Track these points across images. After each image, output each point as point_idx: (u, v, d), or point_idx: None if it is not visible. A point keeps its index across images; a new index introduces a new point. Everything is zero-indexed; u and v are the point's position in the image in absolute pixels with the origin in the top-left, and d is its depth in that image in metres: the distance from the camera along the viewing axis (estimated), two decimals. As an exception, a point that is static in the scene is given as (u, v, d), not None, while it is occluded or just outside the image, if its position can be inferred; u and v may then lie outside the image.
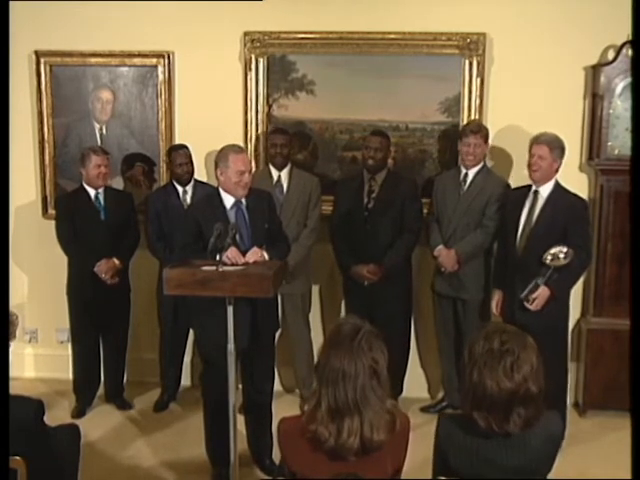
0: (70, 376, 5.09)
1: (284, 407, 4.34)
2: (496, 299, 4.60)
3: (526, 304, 4.27)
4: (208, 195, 4.17)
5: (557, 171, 4.36)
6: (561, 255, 4.16)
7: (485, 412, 2.34)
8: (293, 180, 4.96)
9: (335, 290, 5.23)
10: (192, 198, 4.91)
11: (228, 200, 3.94)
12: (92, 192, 4.87)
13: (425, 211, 5.00)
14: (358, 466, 2.45)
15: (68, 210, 4.88)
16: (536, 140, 4.36)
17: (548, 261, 4.18)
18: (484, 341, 2.36)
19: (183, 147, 4.96)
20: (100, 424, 4.79)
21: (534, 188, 4.38)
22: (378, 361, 2.43)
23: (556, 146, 4.32)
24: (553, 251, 4.16)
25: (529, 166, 4.36)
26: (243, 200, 3.95)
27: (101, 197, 4.89)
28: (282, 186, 4.93)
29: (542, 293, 4.25)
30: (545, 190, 4.35)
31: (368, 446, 2.41)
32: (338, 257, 4.97)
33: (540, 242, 4.24)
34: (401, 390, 5.00)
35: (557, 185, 4.37)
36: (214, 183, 5.08)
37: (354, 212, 4.85)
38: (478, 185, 4.75)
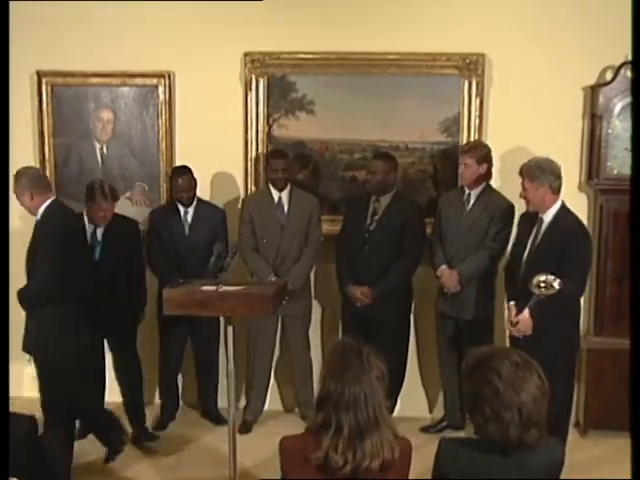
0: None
1: (284, 427, 4.30)
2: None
3: (510, 328, 4.19)
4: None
5: (556, 193, 4.15)
6: (555, 283, 3.84)
7: (522, 424, 2.31)
8: (293, 201, 4.97)
9: (336, 311, 5.20)
10: (193, 218, 4.93)
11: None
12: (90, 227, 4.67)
13: (428, 231, 4.99)
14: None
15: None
16: (519, 171, 4.22)
17: (540, 288, 3.87)
18: (507, 361, 2.33)
19: (186, 171, 4.88)
20: (100, 445, 4.76)
21: (539, 215, 4.22)
22: (383, 372, 2.49)
23: (537, 174, 4.11)
24: (543, 278, 3.85)
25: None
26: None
27: (99, 232, 4.68)
28: (283, 207, 4.95)
29: (523, 319, 4.11)
30: (547, 217, 4.17)
31: (385, 466, 2.43)
32: (337, 276, 4.97)
33: (538, 269, 3.97)
34: (392, 411, 4.94)
35: (561, 211, 4.17)
36: (216, 201, 5.13)
37: (355, 232, 4.86)
38: (481, 205, 4.74)
